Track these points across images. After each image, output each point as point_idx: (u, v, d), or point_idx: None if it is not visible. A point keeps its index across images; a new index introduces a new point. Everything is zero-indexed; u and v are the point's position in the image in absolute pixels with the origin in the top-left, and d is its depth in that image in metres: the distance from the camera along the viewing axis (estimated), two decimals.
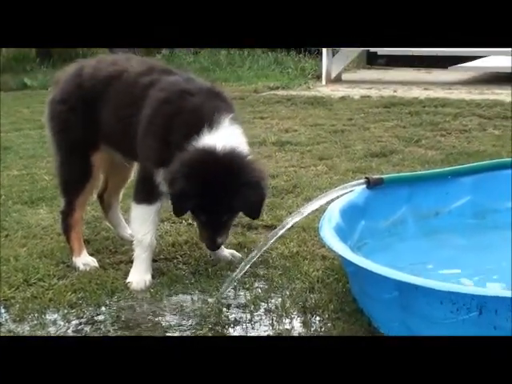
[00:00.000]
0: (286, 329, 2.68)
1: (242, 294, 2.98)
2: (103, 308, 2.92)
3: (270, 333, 2.67)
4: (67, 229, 3.38)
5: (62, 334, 2.70)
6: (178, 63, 11.27)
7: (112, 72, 3.24)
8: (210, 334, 2.67)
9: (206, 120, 2.88)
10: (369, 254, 2.85)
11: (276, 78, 9.97)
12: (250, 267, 2.88)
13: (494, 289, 2.76)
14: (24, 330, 2.74)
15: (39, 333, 2.70)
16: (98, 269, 3.28)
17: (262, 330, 2.70)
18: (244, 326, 2.73)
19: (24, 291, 3.04)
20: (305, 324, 2.71)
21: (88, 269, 3.27)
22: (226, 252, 3.36)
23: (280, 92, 8.72)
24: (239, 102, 7.98)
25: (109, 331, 2.72)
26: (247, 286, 3.04)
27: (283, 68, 10.65)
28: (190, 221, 3.71)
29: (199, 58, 11.69)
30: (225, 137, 2.87)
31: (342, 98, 8.01)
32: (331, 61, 9.64)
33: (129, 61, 3.32)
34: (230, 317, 2.80)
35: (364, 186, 3.23)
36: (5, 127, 7.00)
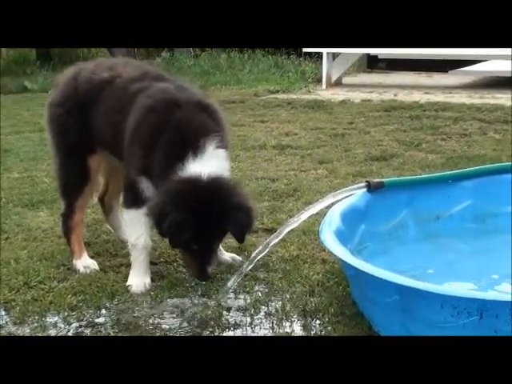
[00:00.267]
0: (286, 332, 2.68)
1: (242, 297, 2.98)
2: (103, 311, 2.92)
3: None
4: (68, 231, 3.39)
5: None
6: (179, 66, 11.29)
7: (107, 77, 3.25)
8: None
9: (190, 146, 2.88)
10: (369, 258, 2.85)
11: (276, 81, 9.98)
12: (250, 270, 2.87)
13: (495, 293, 2.76)
14: (24, 332, 2.73)
15: (39, 335, 2.69)
16: (98, 271, 3.28)
17: (262, 333, 2.70)
18: (244, 330, 2.73)
19: (24, 294, 3.04)
20: (305, 327, 2.71)
21: (88, 271, 3.27)
22: (226, 255, 3.36)
23: (280, 95, 8.73)
24: (239, 105, 8.00)
25: (109, 334, 2.72)
26: (247, 289, 3.04)
27: (284, 71, 10.65)
28: None
29: (199, 61, 11.68)
30: (209, 163, 2.87)
31: (343, 102, 8.02)
32: (331, 64, 9.64)
33: (125, 66, 3.33)
34: (230, 320, 2.80)
35: (364, 189, 3.23)
36: (5, 130, 7.01)
